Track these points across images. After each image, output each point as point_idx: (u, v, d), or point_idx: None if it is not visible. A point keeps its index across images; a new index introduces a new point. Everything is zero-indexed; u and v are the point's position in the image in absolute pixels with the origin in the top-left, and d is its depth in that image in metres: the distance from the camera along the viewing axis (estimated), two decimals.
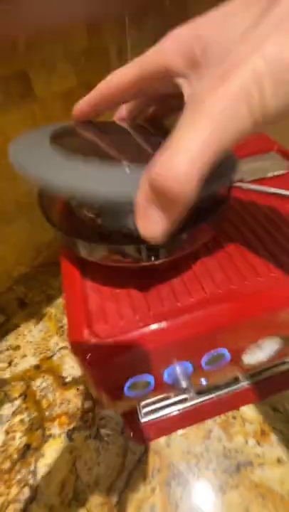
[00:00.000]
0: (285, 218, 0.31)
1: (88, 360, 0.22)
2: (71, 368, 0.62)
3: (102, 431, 0.53)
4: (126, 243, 0.22)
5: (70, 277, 0.27)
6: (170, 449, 0.50)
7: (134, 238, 0.23)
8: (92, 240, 0.24)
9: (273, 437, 0.50)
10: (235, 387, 0.50)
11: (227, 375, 0.31)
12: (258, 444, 0.49)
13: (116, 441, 0.51)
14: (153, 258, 0.22)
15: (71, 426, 0.54)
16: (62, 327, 0.69)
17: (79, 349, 0.23)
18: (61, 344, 0.65)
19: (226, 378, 0.32)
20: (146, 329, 0.22)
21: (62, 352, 0.64)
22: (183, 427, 0.48)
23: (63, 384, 0.59)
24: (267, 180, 0.35)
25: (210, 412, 0.49)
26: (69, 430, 0.53)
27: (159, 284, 0.26)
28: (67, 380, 0.60)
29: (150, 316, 0.23)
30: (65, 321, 0.70)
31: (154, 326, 0.22)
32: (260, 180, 0.35)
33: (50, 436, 0.53)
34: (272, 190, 0.33)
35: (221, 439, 0.50)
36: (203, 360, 0.24)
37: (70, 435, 0.53)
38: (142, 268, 0.23)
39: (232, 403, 0.49)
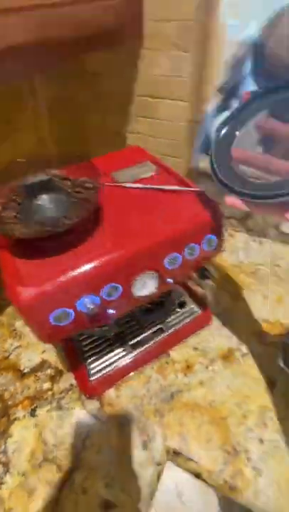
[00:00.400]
0: (152, 201, 0.48)
1: (22, 302, 0.34)
2: (28, 361, 0.70)
3: (62, 401, 0.62)
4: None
5: (4, 258, 0.38)
6: (120, 398, 0.62)
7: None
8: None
9: (195, 368, 0.66)
10: (160, 337, 0.65)
11: (129, 305, 0.45)
12: (185, 375, 0.65)
13: (74, 406, 0.61)
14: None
15: (34, 405, 0.62)
16: (14, 330, 0.76)
17: (15, 297, 0.34)
18: (16, 344, 0.73)
19: (131, 307, 0.46)
20: (59, 278, 0.35)
21: (17, 350, 0.72)
22: (124, 375, 0.60)
23: (22, 375, 0.67)
24: (141, 180, 0.52)
25: (144, 361, 0.62)
26: (32, 409, 0.61)
27: (65, 250, 0.39)
28: (25, 371, 0.68)
29: (61, 269, 0.36)
30: (17, 324, 0.77)
31: (63, 275, 0.35)
32: (137, 181, 0.52)
33: (15, 419, 0.60)
34: (142, 185, 0.50)
35: (158, 380, 0.64)
36: (103, 292, 0.38)
37: (33, 413, 0.61)
38: (47, 239, 0.36)
39: (161, 350, 0.64)
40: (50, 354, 0.70)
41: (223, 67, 0.76)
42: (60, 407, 0.61)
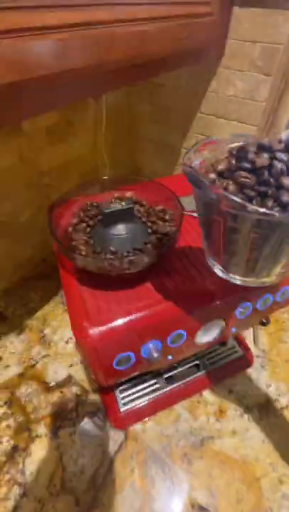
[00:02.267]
0: None
1: (87, 344, 0.31)
2: (54, 373, 0.67)
3: (86, 426, 0.59)
4: (111, 258, 0.32)
5: (69, 285, 0.36)
6: (146, 434, 0.58)
7: (118, 254, 0.33)
8: (87, 256, 0.33)
9: (229, 414, 0.61)
10: (196, 375, 0.61)
11: (186, 353, 0.41)
12: (217, 420, 0.60)
13: (98, 434, 0.58)
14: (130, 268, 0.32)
15: (57, 425, 0.59)
16: (44, 337, 0.74)
17: (80, 336, 0.31)
18: (43, 352, 0.71)
19: (186, 355, 0.42)
20: (128, 318, 0.32)
21: (44, 360, 0.70)
22: (156, 412, 0.57)
23: (47, 389, 0.65)
24: None
25: (177, 397, 0.58)
26: (55, 429, 0.59)
27: (137, 286, 0.36)
28: (51, 384, 0.65)
29: (130, 309, 0.33)
30: (46, 331, 0.75)
31: (134, 315, 0.32)
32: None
33: (36, 436, 0.58)
34: None
35: (188, 420, 0.60)
36: (169, 339, 0.34)
37: (55, 433, 0.58)
38: (122, 276, 0.33)
39: (195, 389, 0.60)
40: (77, 369, 0.68)
41: None
42: (84, 432, 0.58)
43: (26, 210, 0.79)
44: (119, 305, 0.33)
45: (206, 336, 0.39)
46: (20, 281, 0.85)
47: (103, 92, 0.73)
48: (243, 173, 0.23)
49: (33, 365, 0.69)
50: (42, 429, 0.59)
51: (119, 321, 0.32)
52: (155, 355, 0.33)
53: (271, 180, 0.23)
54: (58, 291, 0.86)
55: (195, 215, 0.47)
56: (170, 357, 0.37)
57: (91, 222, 0.38)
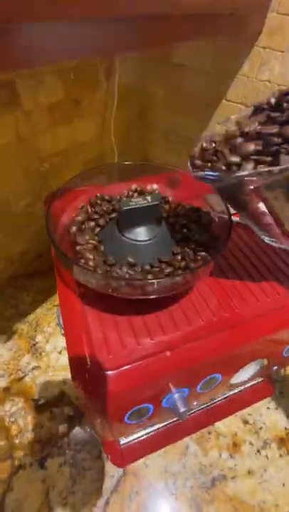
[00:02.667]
0: (264, 249, 0.35)
1: (93, 394, 0.22)
2: (45, 389, 0.59)
3: (79, 456, 0.51)
4: (130, 274, 0.23)
5: (69, 306, 0.27)
6: (148, 469, 0.50)
7: (137, 268, 0.24)
8: (96, 269, 0.24)
9: (244, 449, 0.53)
10: (209, 405, 0.52)
11: (215, 396, 0.33)
12: (231, 456, 0.52)
13: (93, 466, 0.49)
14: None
15: (44, 453, 0.51)
16: (35, 345, 0.65)
17: (82, 381, 0.22)
18: (34, 363, 0.62)
19: (214, 397, 0.34)
20: (149, 359, 0.23)
21: (34, 372, 0.61)
22: (161, 447, 0.48)
23: (36, 407, 0.56)
24: None
25: (187, 430, 0.50)
26: (42, 458, 0.50)
27: (158, 310, 0.27)
28: (40, 402, 0.57)
29: (152, 345, 0.24)
30: (38, 338, 0.66)
31: (157, 356, 0.23)
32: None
33: (20, 466, 0.49)
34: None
35: (197, 455, 0.52)
36: (199, 385, 0.26)
37: (42, 463, 0.50)
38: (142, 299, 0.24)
39: (207, 420, 0.51)
40: (71, 385, 0.59)
41: None
42: (75, 464, 0.50)
43: (22, 199, 0.69)
44: (138, 338, 0.24)
45: (242, 376, 0.31)
46: (10, 279, 0.76)
47: (119, 51, 0.62)
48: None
49: (21, 378, 0.60)
50: (27, 459, 0.50)
51: (138, 363, 0.23)
52: (182, 409, 0.24)
53: None
54: (53, 291, 0.77)
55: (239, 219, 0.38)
56: (196, 402, 0.28)
57: (101, 221, 0.29)
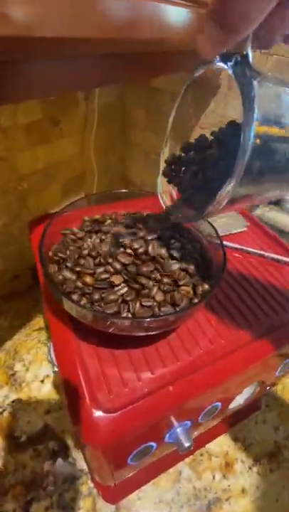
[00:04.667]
0: (252, 272, 0.36)
1: (95, 439, 0.21)
2: (27, 424, 0.54)
3: (66, 496, 0.47)
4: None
5: (63, 342, 0.25)
6: (141, 501, 0.47)
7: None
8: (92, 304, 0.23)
9: (236, 467, 0.53)
10: None
11: (214, 423, 0.33)
12: (224, 477, 0.52)
13: (83, 506, 0.46)
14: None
15: (28, 497, 0.46)
16: (13, 375, 0.61)
17: (82, 424, 0.21)
18: (13, 396, 0.57)
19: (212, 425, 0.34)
20: (152, 396, 0.22)
21: (14, 406, 0.56)
22: (155, 476, 0.47)
23: (17, 446, 0.52)
24: (232, 236, 0.41)
25: (180, 456, 0.49)
26: (26, 502, 0.46)
27: (157, 342, 0.26)
28: (22, 439, 0.52)
29: (153, 380, 0.24)
30: (16, 367, 0.62)
31: (160, 392, 0.23)
32: (225, 236, 0.41)
33: None
34: (238, 246, 0.39)
35: (191, 479, 0.51)
36: (201, 415, 0.26)
37: (27, 509, 0.45)
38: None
39: (200, 442, 0.51)
40: (56, 417, 0.55)
41: None
42: (62, 506, 0.46)
43: None
44: (138, 372, 0.24)
45: (239, 400, 0.31)
46: None
47: (106, 84, 0.63)
48: None
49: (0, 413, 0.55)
50: (10, 505, 0.46)
51: (142, 402, 0.22)
52: (186, 444, 0.23)
53: None
54: (33, 315, 0.73)
55: (227, 243, 0.39)
56: (196, 432, 0.28)
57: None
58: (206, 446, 0.54)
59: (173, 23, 0.35)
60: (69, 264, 0.23)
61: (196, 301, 0.24)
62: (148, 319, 0.21)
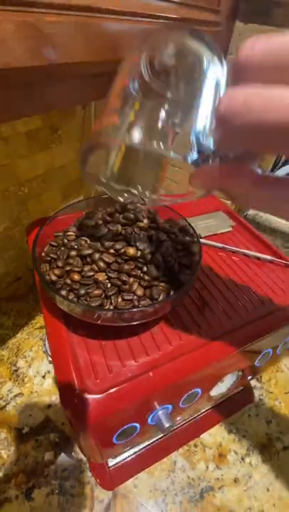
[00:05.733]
0: (234, 270, 0.39)
1: (83, 418, 0.23)
2: (28, 416, 0.57)
3: (66, 483, 0.50)
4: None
5: (56, 334, 0.28)
6: (138, 489, 0.50)
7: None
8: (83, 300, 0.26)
9: (229, 458, 0.55)
10: (195, 416, 0.54)
11: (197, 410, 0.35)
12: (217, 467, 0.54)
13: (82, 492, 0.49)
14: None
15: (30, 484, 0.49)
16: (16, 371, 0.64)
17: (71, 406, 0.24)
18: (16, 391, 0.61)
19: (196, 412, 0.36)
20: (134, 380, 0.25)
21: (17, 400, 0.59)
22: (149, 465, 0.49)
23: (20, 436, 0.55)
24: (217, 236, 0.44)
25: (173, 446, 0.51)
26: (28, 489, 0.49)
27: (141, 334, 0.29)
28: (24, 431, 0.55)
29: (136, 367, 0.26)
30: (19, 363, 0.65)
31: (141, 377, 0.25)
32: (211, 236, 0.43)
33: (5, 500, 0.48)
34: (221, 245, 0.41)
35: (185, 469, 0.53)
36: (182, 400, 0.28)
37: (28, 495, 0.48)
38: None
39: (193, 433, 0.53)
40: (57, 410, 0.58)
41: None
42: (63, 492, 0.49)
43: (0, 224, 0.69)
44: (123, 360, 0.26)
45: (221, 388, 0.33)
46: None
47: (91, 101, 0.66)
48: None
49: (3, 407, 0.58)
50: (12, 491, 0.49)
51: (125, 385, 0.24)
52: (166, 424, 0.26)
53: None
54: (34, 314, 0.76)
55: (211, 242, 0.42)
56: (179, 417, 0.31)
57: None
58: (201, 437, 0.56)
59: None
60: (59, 264, 0.26)
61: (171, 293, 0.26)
62: (128, 311, 0.23)
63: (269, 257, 0.41)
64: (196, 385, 0.28)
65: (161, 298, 0.25)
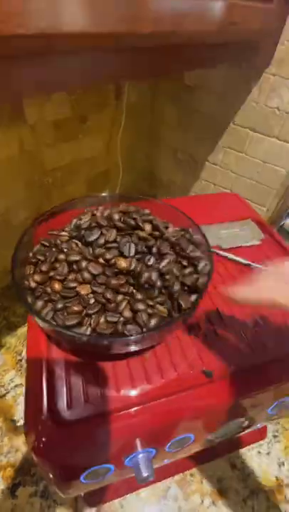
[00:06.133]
0: None
1: (42, 448, 0.20)
2: None
3: (51, 488, 0.48)
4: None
5: (34, 344, 0.25)
6: (123, 509, 0.46)
7: None
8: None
9: (229, 497, 0.49)
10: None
11: (188, 453, 0.30)
12: (213, 503, 0.48)
13: (65, 501, 0.47)
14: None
15: (16, 480, 0.48)
16: (21, 360, 0.64)
17: (34, 433, 0.21)
18: (17, 381, 0.60)
19: (188, 454, 0.31)
20: (113, 415, 0.21)
21: (17, 390, 0.59)
22: (139, 487, 0.45)
23: (14, 428, 0.54)
24: (242, 249, 0.37)
25: (168, 472, 0.47)
26: (14, 485, 0.48)
27: (131, 357, 0.25)
28: (19, 424, 0.55)
29: (118, 399, 0.22)
30: (24, 353, 0.65)
31: (122, 412, 0.21)
32: (235, 249, 0.37)
33: None
34: (247, 261, 0.35)
35: (178, 499, 0.48)
36: (168, 445, 0.23)
37: (13, 491, 0.47)
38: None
39: (188, 465, 0.48)
40: None
41: None
42: (46, 495, 0.47)
43: (21, 212, 0.69)
44: (103, 388, 0.22)
45: (221, 432, 0.28)
46: (4, 289, 0.75)
47: (126, 79, 0.62)
48: None
49: (3, 396, 0.58)
50: None
51: (101, 420, 0.21)
52: (144, 474, 0.22)
53: None
54: None
55: (224, 253, 0.36)
56: (167, 461, 0.26)
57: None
58: (199, 467, 0.51)
59: (210, 16, 0.33)
60: (44, 268, 0.23)
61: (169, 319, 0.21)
62: (106, 338, 0.19)
63: None
64: (188, 429, 0.23)
65: (152, 324, 0.20)
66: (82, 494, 0.45)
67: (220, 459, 0.52)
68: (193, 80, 0.74)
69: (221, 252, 0.36)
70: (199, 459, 0.49)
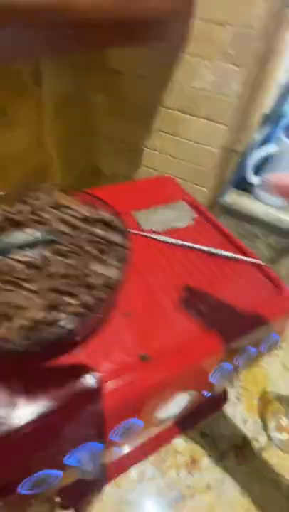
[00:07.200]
0: (192, 270, 0.33)
1: None
2: None
3: None
4: None
5: None
6: (102, 502, 0.47)
7: None
8: None
9: (202, 463, 0.52)
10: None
11: (143, 436, 0.31)
12: (189, 473, 0.51)
13: (43, 499, 0.45)
14: None
15: None
16: None
17: None
18: None
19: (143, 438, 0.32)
20: (47, 409, 0.20)
21: None
22: (116, 476, 0.46)
23: None
24: (175, 230, 0.38)
25: (144, 453, 0.48)
26: None
27: (64, 352, 0.24)
28: None
29: (45, 397, 0.21)
30: None
31: (53, 403, 0.20)
32: (169, 231, 0.38)
33: None
34: (180, 242, 0.36)
35: (155, 478, 0.50)
36: (113, 433, 0.23)
37: None
38: None
39: (162, 441, 0.50)
40: None
41: (277, 91, 0.63)
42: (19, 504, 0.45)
43: None
44: (32, 383, 0.21)
45: (172, 409, 0.29)
46: None
47: (48, 53, 0.57)
48: None
49: None
50: None
51: (28, 416, 0.20)
52: (89, 467, 0.21)
53: None
54: None
55: (155, 236, 0.36)
56: (117, 449, 0.26)
57: None
58: (172, 442, 0.53)
59: None
60: None
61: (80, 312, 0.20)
62: None
63: (232, 255, 0.36)
64: (134, 412, 0.24)
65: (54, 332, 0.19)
66: (60, 500, 0.44)
67: (190, 431, 0.55)
68: (117, 65, 0.72)
69: (154, 235, 0.36)
70: (172, 435, 0.51)
